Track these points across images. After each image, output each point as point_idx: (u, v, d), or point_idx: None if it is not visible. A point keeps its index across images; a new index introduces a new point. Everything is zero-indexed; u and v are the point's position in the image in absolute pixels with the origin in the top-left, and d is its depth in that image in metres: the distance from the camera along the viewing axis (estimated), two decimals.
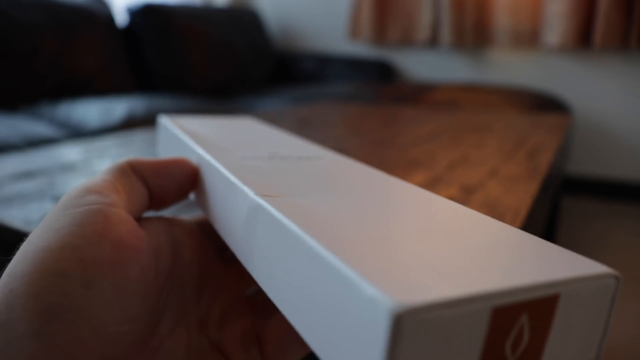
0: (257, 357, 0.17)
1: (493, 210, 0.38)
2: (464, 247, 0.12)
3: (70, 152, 0.58)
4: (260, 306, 0.18)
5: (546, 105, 1.61)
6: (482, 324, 0.10)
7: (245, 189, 0.16)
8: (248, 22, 2.17)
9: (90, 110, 1.35)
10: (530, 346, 0.11)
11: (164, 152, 0.29)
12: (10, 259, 0.14)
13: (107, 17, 1.75)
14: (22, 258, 0.13)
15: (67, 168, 0.51)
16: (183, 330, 0.16)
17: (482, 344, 0.10)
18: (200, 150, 0.21)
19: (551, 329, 0.11)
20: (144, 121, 1.33)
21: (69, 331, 0.12)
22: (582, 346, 0.12)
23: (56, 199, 0.41)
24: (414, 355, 0.09)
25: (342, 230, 0.12)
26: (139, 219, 0.17)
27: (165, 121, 0.29)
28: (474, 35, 1.97)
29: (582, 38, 1.79)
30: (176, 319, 0.16)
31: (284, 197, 0.15)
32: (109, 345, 0.13)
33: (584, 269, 0.12)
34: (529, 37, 1.90)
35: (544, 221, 0.55)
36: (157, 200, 0.19)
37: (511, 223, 0.36)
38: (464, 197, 0.41)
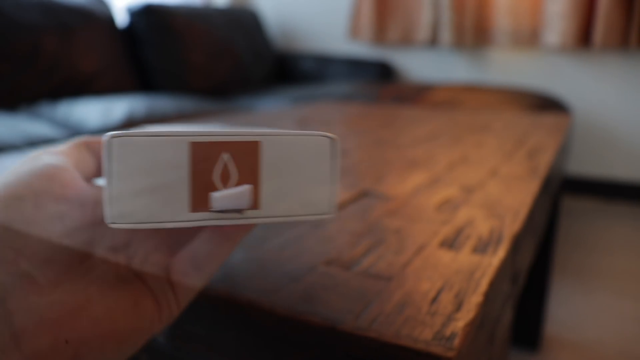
0: (166, 285, 0.21)
1: (493, 210, 0.38)
2: None
3: None
4: (172, 243, 0.22)
5: (546, 105, 1.61)
6: (183, 154, 0.14)
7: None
8: (248, 22, 2.17)
9: (90, 110, 1.36)
10: (245, 177, 0.14)
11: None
12: None
13: (107, 17, 1.75)
14: None
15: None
16: (112, 261, 0.20)
17: (189, 171, 0.14)
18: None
19: (261, 171, 0.14)
20: (144, 121, 1.33)
21: (20, 236, 0.17)
22: (312, 199, 0.14)
23: None
24: (126, 167, 0.14)
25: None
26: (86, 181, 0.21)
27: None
28: (474, 35, 1.98)
29: (582, 38, 1.79)
30: (108, 253, 0.20)
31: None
32: (52, 251, 0.17)
33: (293, 133, 0.14)
34: (529, 37, 1.90)
35: (544, 221, 0.55)
36: None
37: (511, 223, 0.36)
38: (464, 197, 0.41)
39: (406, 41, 2.11)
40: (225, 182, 0.14)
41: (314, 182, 0.14)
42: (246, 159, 0.14)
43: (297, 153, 0.14)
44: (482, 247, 0.32)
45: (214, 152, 0.14)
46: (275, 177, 0.14)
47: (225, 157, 0.14)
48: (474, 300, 0.25)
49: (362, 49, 2.26)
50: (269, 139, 0.14)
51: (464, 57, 2.08)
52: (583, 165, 1.98)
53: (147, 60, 1.89)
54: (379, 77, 2.12)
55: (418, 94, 1.67)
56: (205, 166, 0.14)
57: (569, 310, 1.13)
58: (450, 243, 0.32)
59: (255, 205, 0.15)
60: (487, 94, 1.65)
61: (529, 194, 0.42)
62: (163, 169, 0.15)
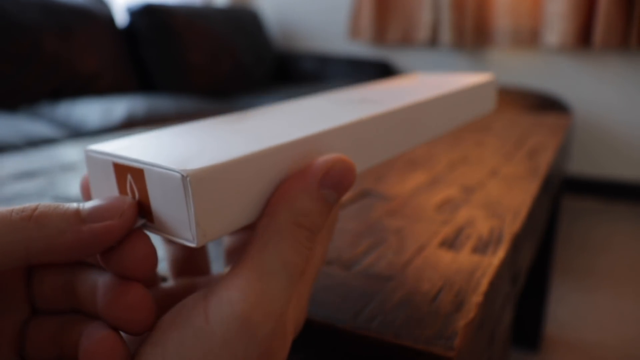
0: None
1: (493, 210, 0.38)
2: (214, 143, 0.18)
3: (70, 152, 0.58)
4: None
5: (546, 105, 1.61)
6: (109, 169, 0.17)
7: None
8: (248, 22, 2.17)
9: (90, 110, 1.35)
10: (142, 197, 0.16)
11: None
12: None
13: (107, 17, 1.75)
14: None
15: (67, 168, 0.51)
16: None
17: (116, 184, 0.17)
18: None
19: (149, 192, 0.16)
20: (144, 121, 1.33)
21: None
22: (179, 226, 0.15)
23: (56, 199, 0.41)
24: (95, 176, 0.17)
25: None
26: None
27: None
28: (474, 35, 1.97)
29: (582, 38, 1.79)
30: None
31: None
32: None
33: (157, 165, 0.16)
34: (529, 37, 1.90)
35: (544, 221, 0.55)
36: None
37: (511, 223, 0.36)
38: (464, 197, 0.41)
39: (406, 41, 2.11)
40: (134, 195, 0.16)
41: (178, 211, 0.15)
42: (139, 181, 0.16)
43: (165, 183, 0.15)
44: (482, 247, 0.32)
45: (123, 172, 0.16)
46: (158, 200, 0.16)
47: (130, 177, 0.16)
48: (474, 300, 0.25)
49: (362, 49, 2.26)
50: (149, 168, 0.16)
51: (464, 57, 2.08)
52: (583, 165, 1.98)
53: (147, 60, 1.88)
54: (379, 77, 2.12)
55: None
56: (123, 181, 0.17)
57: (569, 310, 1.13)
58: (450, 243, 0.32)
59: (151, 220, 0.16)
60: None
61: (529, 194, 0.42)
62: (102, 174, 0.18)
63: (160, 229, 0.16)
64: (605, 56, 1.85)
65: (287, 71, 2.30)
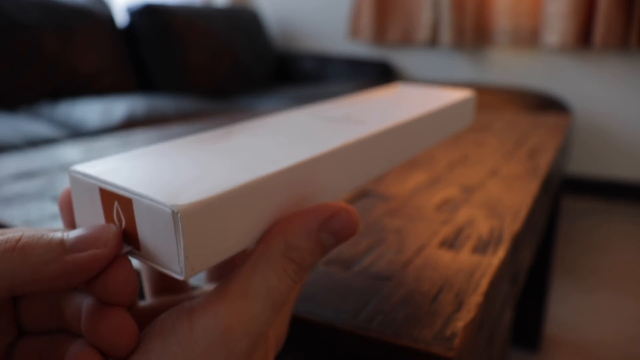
0: None
1: (493, 210, 0.38)
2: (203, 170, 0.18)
3: (70, 152, 0.58)
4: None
5: (546, 105, 1.61)
6: (95, 193, 0.17)
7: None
8: (248, 22, 2.17)
9: (90, 110, 1.35)
10: (129, 225, 0.16)
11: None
12: None
13: (107, 17, 1.75)
14: None
15: (67, 168, 0.51)
16: None
17: (102, 208, 0.17)
18: None
19: (137, 222, 0.16)
20: (144, 121, 1.33)
21: None
22: (168, 257, 0.15)
23: (56, 199, 0.41)
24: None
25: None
26: None
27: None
28: (474, 35, 1.97)
29: (582, 38, 1.79)
30: None
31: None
32: None
33: (148, 197, 0.15)
34: (529, 37, 1.90)
35: (544, 221, 0.55)
36: None
37: (511, 223, 0.36)
38: (464, 196, 0.41)
39: (406, 41, 2.11)
40: (120, 222, 0.16)
41: (167, 244, 0.15)
42: (127, 210, 0.16)
43: (154, 215, 0.15)
44: (482, 247, 0.32)
45: (110, 198, 0.16)
46: (146, 229, 0.16)
47: (116, 204, 0.16)
48: (474, 300, 0.25)
49: (362, 49, 2.26)
50: (138, 199, 0.15)
51: (464, 57, 2.08)
52: (583, 165, 1.98)
53: (147, 60, 1.88)
54: (379, 77, 2.12)
55: None
56: (109, 207, 0.17)
57: (569, 310, 1.13)
58: (450, 243, 0.32)
59: (138, 247, 0.16)
60: (487, 94, 1.65)
61: (529, 194, 0.42)
62: (87, 199, 0.18)
63: (148, 258, 0.16)
64: (605, 56, 1.85)
65: (287, 71, 2.30)
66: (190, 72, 1.90)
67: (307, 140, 0.22)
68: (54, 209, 0.38)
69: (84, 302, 0.16)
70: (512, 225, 0.35)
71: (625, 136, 1.89)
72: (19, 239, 0.15)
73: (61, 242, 0.15)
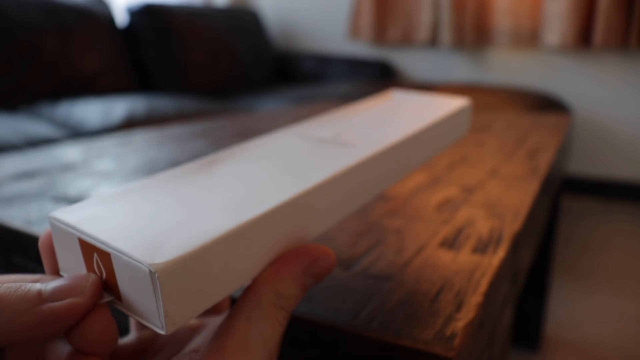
0: None
1: (493, 210, 0.38)
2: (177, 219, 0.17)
3: (70, 152, 0.58)
4: None
5: (546, 105, 1.61)
6: (74, 242, 0.17)
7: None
8: (248, 22, 2.17)
9: (90, 110, 1.35)
10: (109, 276, 0.16)
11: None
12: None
13: (107, 17, 1.75)
14: None
15: (67, 168, 0.51)
16: None
17: (83, 257, 0.17)
18: None
19: (116, 275, 0.16)
20: (144, 121, 1.33)
21: None
22: (150, 311, 0.15)
23: (56, 199, 0.41)
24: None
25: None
26: None
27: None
28: (474, 35, 1.97)
29: (582, 38, 1.79)
30: None
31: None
32: None
33: (125, 253, 0.15)
34: (529, 37, 1.90)
35: (544, 221, 0.55)
36: None
37: (511, 223, 0.36)
38: (464, 197, 0.41)
39: (406, 41, 2.11)
40: (101, 273, 0.16)
41: (146, 300, 0.15)
42: (106, 262, 0.16)
43: (132, 271, 0.15)
44: (482, 247, 0.32)
45: (90, 250, 0.16)
46: (125, 283, 0.16)
47: (96, 256, 0.16)
48: (474, 300, 0.25)
49: (362, 49, 2.26)
50: (116, 255, 0.15)
51: (464, 57, 2.08)
52: (583, 165, 1.98)
53: (147, 60, 1.88)
54: (379, 77, 2.12)
55: None
56: (89, 258, 0.16)
57: (568, 310, 1.13)
58: (450, 243, 0.32)
59: (119, 298, 0.16)
60: (487, 94, 1.65)
61: (529, 194, 0.42)
62: (68, 245, 0.17)
63: (129, 310, 0.16)
64: (605, 56, 1.85)
65: (287, 71, 2.30)
66: (190, 72, 1.90)
67: (296, 170, 0.21)
68: (54, 209, 0.38)
69: (66, 350, 0.16)
70: (512, 225, 0.35)
71: (625, 136, 1.89)
72: None
73: (38, 293, 0.15)
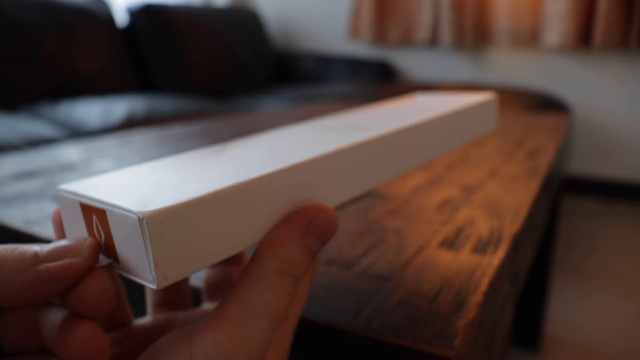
0: None
1: (493, 210, 0.38)
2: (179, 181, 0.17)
3: (70, 152, 0.58)
4: None
5: (546, 105, 1.61)
6: (77, 209, 0.17)
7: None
8: (248, 22, 2.17)
9: (90, 110, 1.36)
10: (107, 238, 0.16)
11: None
12: None
13: (107, 17, 1.75)
14: None
15: (67, 168, 0.51)
16: None
17: (84, 223, 0.17)
18: None
19: (112, 233, 0.16)
20: (144, 121, 1.33)
21: None
22: (142, 265, 0.15)
23: (56, 199, 0.41)
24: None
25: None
26: None
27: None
28: (474, 35, 1.97)
29: (582, 38, 1.79)
30: None
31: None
32: None
33: (118, 206, 0.15)
34: (529, 37, 1.90)
35: (544, 221, 0.55)
36: None
37: (511, 223, 0.36)
38: (464, 197, 0.41)
39: (406, 41, 2.11)
40: (100, 236, 0.16)
41: (138, 253, 0.15)
42: (103, 222, 0.16)
43: (124, 224, 0.15)
44: (482, 247, 0.32)
45: (89, 212, 0.16)
46: (121, 240, 0.16)
47: (95, 218, 0.16)
48: (474, 300, 0.25)
49: (362, 49, 2.26)
50: (110, 209, 0.15)
51: (464, 57, 2.08)
52: (583, 165, 1.98)
53: (147, 60, 1.88)
54: (379, 77, 2.12)
55: None
56: (89, 221, 0.17)
57: (569, 310, 1.13)
58: (450, 243, 0.32)
59: (117, 261, 0.16)
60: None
61: (529, 194, 0.42)
62: (74, 217, 0.18)
63: (125, 270, 0.16)
64: (605, 56, 1.85)
65: (287, 71, 2.30)
66: (190, 72, 1.90)
67: (304, 147, 0.21)
68: (54, 208, 0.38)
69: (59, 317, 0.16)
70: (512, 225, 0.35)
71: (626, 136, 1.89)
72: None
73: (35, 254, 0.15)
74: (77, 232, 0.18)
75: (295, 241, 0.18)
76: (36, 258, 0.15)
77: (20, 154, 0.57)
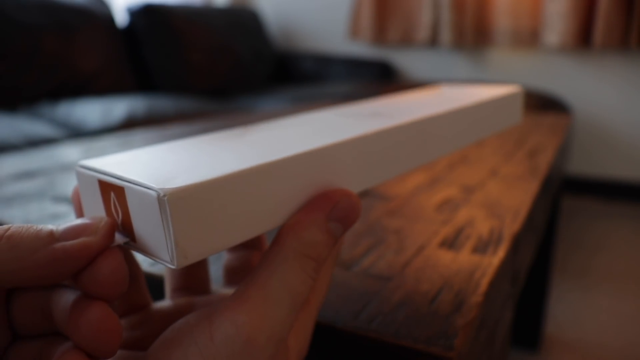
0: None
1: (493, 210, 0.38)
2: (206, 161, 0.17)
3: (70, 152, 0.58)
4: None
5: (546, 105, 1.61)
6: (95, 186, 0.17)
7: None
8: (248, 22, 2.17)
9: (90, 110, 1.35)
10: (124, 216, 0.16)
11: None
12: None
13: (107, 17, 1.75)
14: None
15: (67, 168, 0.51)
16: None
17: (102, 200, 0.17)
18: None
19: (130, 211, 0.15)
20: (144, 121, 1.33)
21: None
22: (158, 247, 0.15)
23: (56, 199, 0.41)
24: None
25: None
26: None
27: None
28: (474, 35, 1.97)
29: (582, 38, 1.79)
30: None
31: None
32: None
33: (139, 183, 0.15)
34: (529, 37, 1.90)
35: (544, 221, 0.55)
36: None
37: (511, 223, 0.36)
38: (464, 197, 0.41)
39: (406, 41, 2.11)
40: (117, 213, 0.16)
41: (157, 231, 0.15)
42: (121, 199, 0.16)
43: (143, 201, 0.15)
44: (482, 247, 0.32)
45: (107, 189, 0.16)
46: (139, 218, 0.15)
47: (113, 195, 0.16)
48: (474, 300, 0.25)
49: (362, 49, 2.26)
50: (129, 186, 0.15)
51: (464, 57, 2.08)
52: (583, 165, 1.98)
53: (147, 60, 1.88)
54: (379, 77, 2.12)
55: None
56: (107, 198, 0.17)
57: (569, 310, 1.13)
58: (450, 243, 0.32)
59: (133, 239, 0.16)
60: None
61: (529, 194, 0.42)
62: (92, 194, 0.18)
63: (142, 249, 0.16)
64: (605, 56, 1.85)
65: (287, 71, 2.30)
66: (190, 72, 1.90)
67: (328, 132, 0.21)
68: (54, 208, 0.38)
69: (71, 299, 0.16)
70: (512, 225, 0.35)
71: (625, 136, 1.89)
72: (7, 229, 0.15)
73: (50, 233, 0.15)
74: (95, 210, 0.17)
75: (318, 225, 0.18)
76: (52, 236, 0.15)
77: (20, 154, 0.57)
